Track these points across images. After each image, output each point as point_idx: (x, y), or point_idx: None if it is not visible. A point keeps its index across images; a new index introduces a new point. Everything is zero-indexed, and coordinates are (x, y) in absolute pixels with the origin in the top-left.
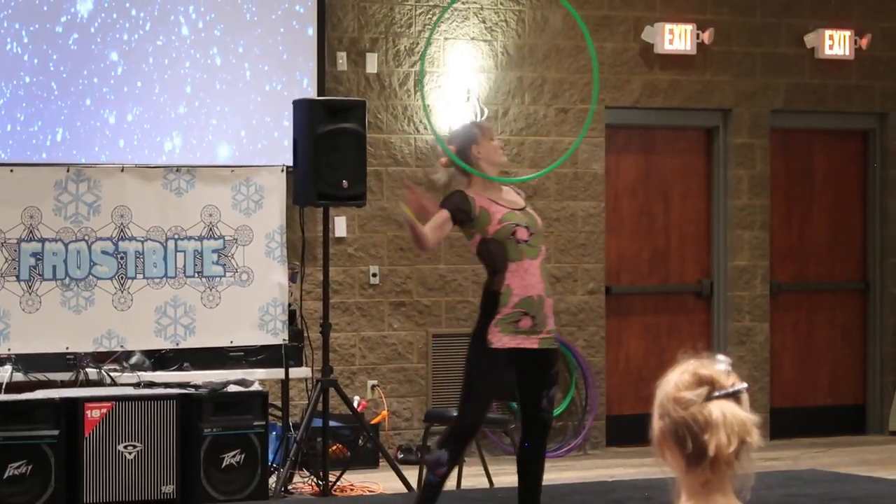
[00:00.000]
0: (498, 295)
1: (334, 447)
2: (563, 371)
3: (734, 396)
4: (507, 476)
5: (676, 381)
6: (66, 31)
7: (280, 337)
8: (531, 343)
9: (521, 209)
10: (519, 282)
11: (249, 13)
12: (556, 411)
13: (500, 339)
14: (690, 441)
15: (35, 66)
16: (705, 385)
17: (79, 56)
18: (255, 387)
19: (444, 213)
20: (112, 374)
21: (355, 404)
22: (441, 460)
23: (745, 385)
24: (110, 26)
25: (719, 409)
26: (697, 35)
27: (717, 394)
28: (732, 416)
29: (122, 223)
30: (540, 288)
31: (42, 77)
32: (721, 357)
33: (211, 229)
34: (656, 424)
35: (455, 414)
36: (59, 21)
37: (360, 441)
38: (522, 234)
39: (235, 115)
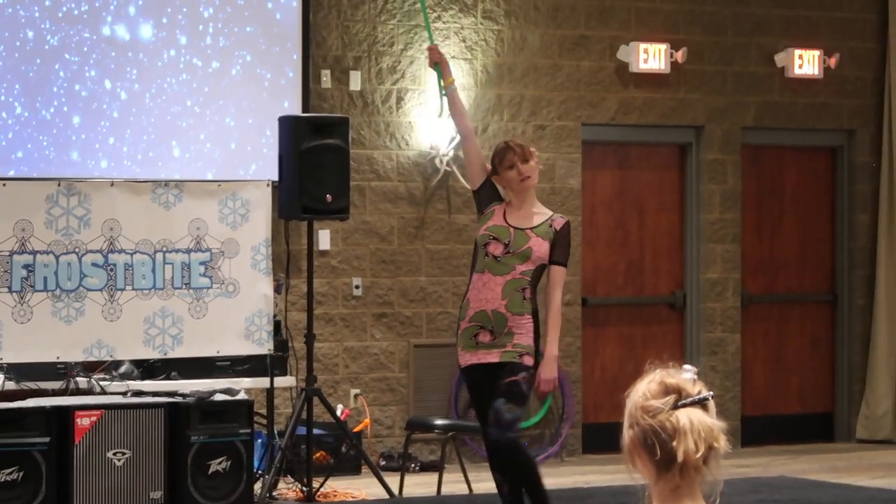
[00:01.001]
0: (460, 310)
1: (318, 454)
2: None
3: (701, 404)
4: (486, 483)
5: (644, 390)
6: (60, 60)
7: (265, 347)
8: (493, 357)
9: (521, 229)
10: (476, 295)
11: (237, 31)
12: (533, 420)
13: (463, 357)
14: (659, 448)
15: (31, 91)
16: (672, 393)
17: (72, 80)
18: (241, 395)
19: (484, 164)
20: (102, 383)
21: (338, 412)
22: (498, 481)
23: (711, 392)
24: (103, 48)
25: (686, 416)
26: (671, 54)
27: (683, 402)
28: (699, 422)
29: (111, 236)
30: (497, 304)
31: (36, 101)
32: (687, 366)
33: (198, 242)
34: (626, 433)
35: None
36: (55, 56)
37: (343, 448)
38: (495, 248)
39: (222, 130)
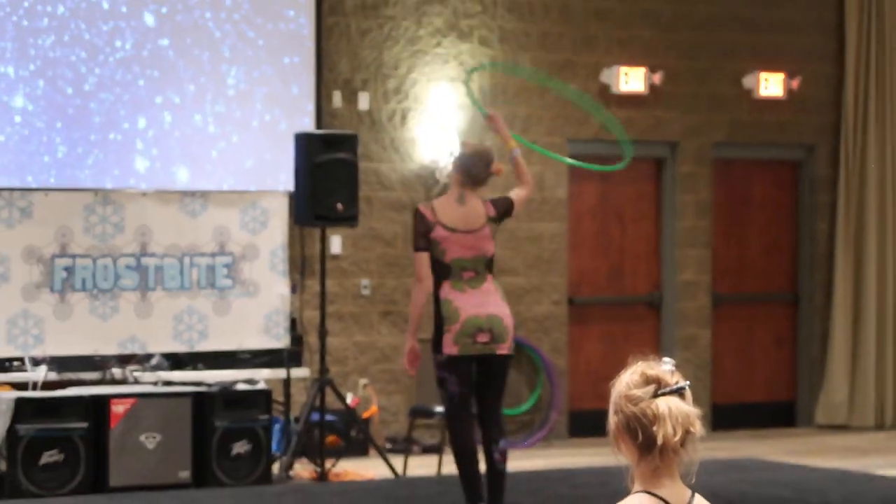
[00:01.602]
0: None
1: (330, 438)
2: (530, 372)
3: (678, 393)
4: (480, 464)
5: (627, 381)
6: (86, 72)
7: (282, 341)
8: None
9: None
10: None
11: (257, 58)
12: (523, 408)
13: None
14: (641, 433)
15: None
16: (652, 384)
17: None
18: (261, 385)
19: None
20: (135, 373)
21: (348, 400)
22: None
23: (687, 382)
24: (129, 68)
25: (665, 404)
26: (649, 77)
27: (662, 391)
28: (677, 409)
29: (143, 241)
30: None
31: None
32: (666, 359)
33: (221, 247)
34: (612, 420)
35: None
36: (83, 65)
37: (352, 433)
38: None
39: (245, 146)
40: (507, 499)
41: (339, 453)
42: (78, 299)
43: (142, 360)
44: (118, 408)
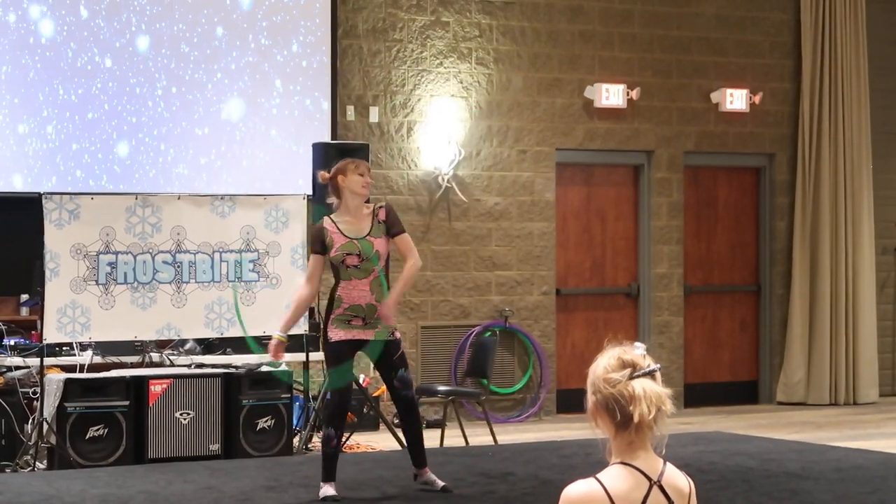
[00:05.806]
0: (333, 300)
1: None
2: (522, 355)
3: (650, 375)
4: (480, 437)
5: (605, 364)
6: (117, 90)
7: (302, 328)
8: (367, 335)
9: (363, 237)
10: (347, 294)
11: (281, 78)
12: (516, 387)
13: (336, 333)
14: (619, 412)
15: (105, 115)
16: (628, 367)
17: (143, 105)
18: (283, 367)
19: (313, 257)
20: (170, 357)
21: (361, 380)
22: (331, 435)
23: (658, 365)
24: (164, 83)
25: (640, 386)
26: (627, 93)
27: (637, 374)
28: (650, 390)
29: (178, 239)
30: (369, 298)
31: (111, 125)
32: (639, 344)
33: (248, 244)
34: (590, 399)
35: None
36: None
37: (364, 410)
38: (352, 260)
39: (269, 154)
40: (507, 469)
41: (353, 428)
42: (120, 291)
43: (177, 345)
44: (156, 387)
